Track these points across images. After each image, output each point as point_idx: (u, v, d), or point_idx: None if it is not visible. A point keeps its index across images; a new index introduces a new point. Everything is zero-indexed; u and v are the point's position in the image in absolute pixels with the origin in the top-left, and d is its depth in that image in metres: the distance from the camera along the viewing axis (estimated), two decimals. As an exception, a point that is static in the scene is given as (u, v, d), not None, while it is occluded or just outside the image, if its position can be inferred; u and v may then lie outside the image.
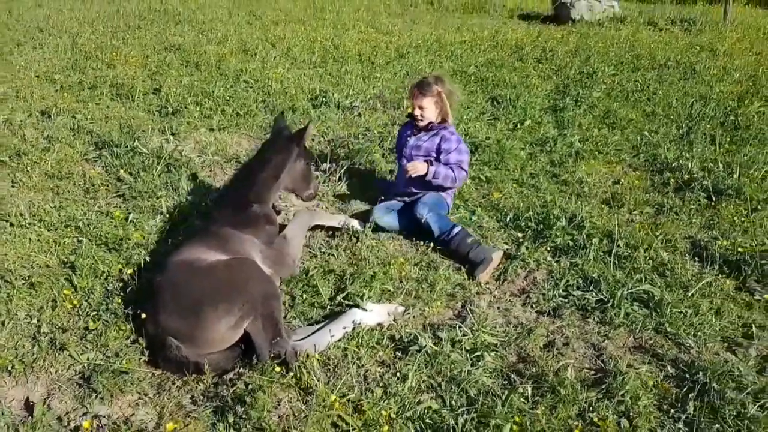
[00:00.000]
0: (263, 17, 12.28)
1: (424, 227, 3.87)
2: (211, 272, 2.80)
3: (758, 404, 2.52)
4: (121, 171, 4.46)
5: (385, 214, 4.07)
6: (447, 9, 15.90)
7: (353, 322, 2.97)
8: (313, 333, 2.91)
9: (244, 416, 2.42)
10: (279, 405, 2.53)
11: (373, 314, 3.08)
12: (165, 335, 2.65)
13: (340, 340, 2.88)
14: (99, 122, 5.48)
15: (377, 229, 4.00)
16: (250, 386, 2.56)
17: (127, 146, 4.83)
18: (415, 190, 4.15)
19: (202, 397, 2.58)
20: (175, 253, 3.01)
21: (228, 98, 6.36)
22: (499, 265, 3.68)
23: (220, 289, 2.72)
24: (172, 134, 5.33)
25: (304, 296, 3.25)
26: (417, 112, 4.16)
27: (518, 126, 6.06)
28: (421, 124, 4.18)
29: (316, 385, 2.57)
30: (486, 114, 6.47)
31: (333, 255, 3.69)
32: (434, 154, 4.12)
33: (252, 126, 5.75)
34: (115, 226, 3.69)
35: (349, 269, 3.47)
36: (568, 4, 13.66)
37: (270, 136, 3.81)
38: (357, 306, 3.10)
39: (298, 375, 2.62)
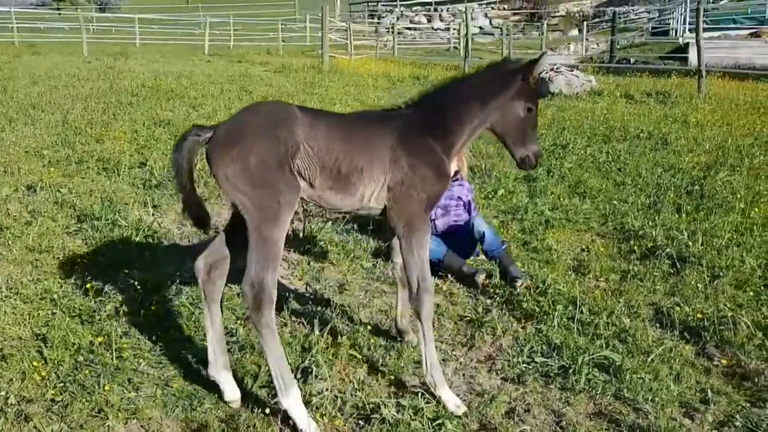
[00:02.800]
0: (254, 92, 12.72)
1: (480, 240, 4.53)
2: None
3: (710, 469, 2.57)
4: (99, 243, 4.57)
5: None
6: (433, 84, 16.50)
7: None
8: None
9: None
10: (238, 475, 2.55)
11: None
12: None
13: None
14: (83, 196, 5.63)
15: None
16: (210, 456, 2.58)
17: (107, 219, 4.96)
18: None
19: (161, 468, 2.61)
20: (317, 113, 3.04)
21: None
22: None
23: (266, 149, 2.76)
24: (154, 206, 5.48)
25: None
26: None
27: (492, 195, 6.25)
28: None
29: (275, 455, 2.60)
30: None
31: (302, 323, 3.77)
32: (461, 202, 4.81)
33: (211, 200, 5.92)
34: (89, 299, 3.77)
35: (318, 337, 3.53)
36: (547, 79, 14.22)
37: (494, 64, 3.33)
38: None
39: (258, 444, 2.66)
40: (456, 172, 4.74)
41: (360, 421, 2.92)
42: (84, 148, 7.20)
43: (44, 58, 18.90)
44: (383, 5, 49.88)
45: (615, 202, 6.05)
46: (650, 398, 3.09)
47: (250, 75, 16.58)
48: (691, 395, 3.17)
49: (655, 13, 36.72)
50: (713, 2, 38.20)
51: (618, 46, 27.57)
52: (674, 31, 30.75)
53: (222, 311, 3.18)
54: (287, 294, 4.22)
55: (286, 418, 2.86)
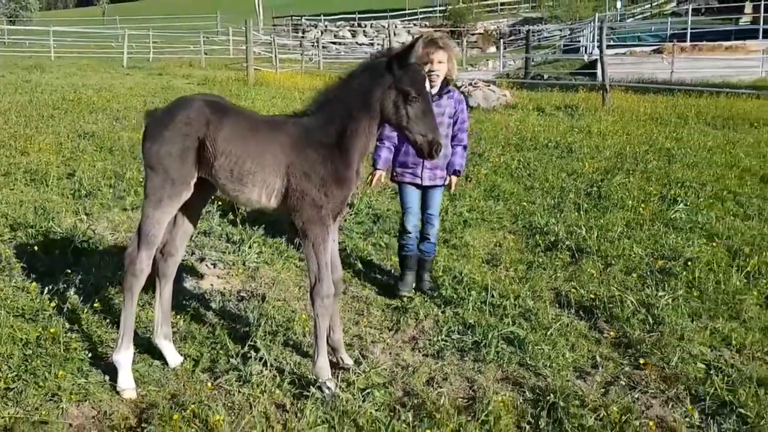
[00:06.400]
0: (178, 105, 12.76)
1: (423, 235, 4.59)
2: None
3: (595, 416, 3.06)
4: (36, 249, 4.69)
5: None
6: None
7: None
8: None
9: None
10: (188, 444, 2.83)
11: None
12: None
13: (242, 385, 3.24)
14: (13, 206, 5.67)
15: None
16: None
17: (41, 227, 5.07)
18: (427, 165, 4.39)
19: (116, 442, 2.85)
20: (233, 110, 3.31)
21: (141, 180, 6.70)
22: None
23: (173, 141, 3.12)
24: (86, 215, 5.60)
25: (212, 352, 3.58)
26: (436, 67, 4.05)
27: (415, 200, 6.72)
28: (435, 84, 4.14)
29: (220, 425, 2.89)
30: (389, 189, 7.13)
31: (240, 315, 4.05)
32: (450, 119, 4.33)
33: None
34: (31, 300, 3.92)
35: (255, 326, 3.83)
36: (467, 94, 15.00)
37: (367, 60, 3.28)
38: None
39: (204, 418, 2.94)
40: (446, 81, 4.26)
41: (297, 395, 3.25)
42: (10, 160, 7.18)
43: (-47, 70, 18.13)
44: (307, 19, 50.17)
45: (524, 203, 6.65)
46: (549, 364, 3.58)
47: (173, 87, 16.53)
48: (584, 361, 3.68)
49: (566, 32, 38.89)
50: (620, 20, 40.89)
51: (533, 63, 29.06)
52: (584, 48, 32.69)
53: (172, 287, 3.58)
54: (225, 290, 4.49)
55: (230, 394, 3.17)
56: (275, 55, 26.53)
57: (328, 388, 3.23)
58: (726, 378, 3.44)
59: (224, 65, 27.91)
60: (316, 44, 33.56)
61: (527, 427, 3.05)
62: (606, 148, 9.36)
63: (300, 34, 45.65)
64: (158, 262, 3.42)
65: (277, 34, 39.72)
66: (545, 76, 25.62)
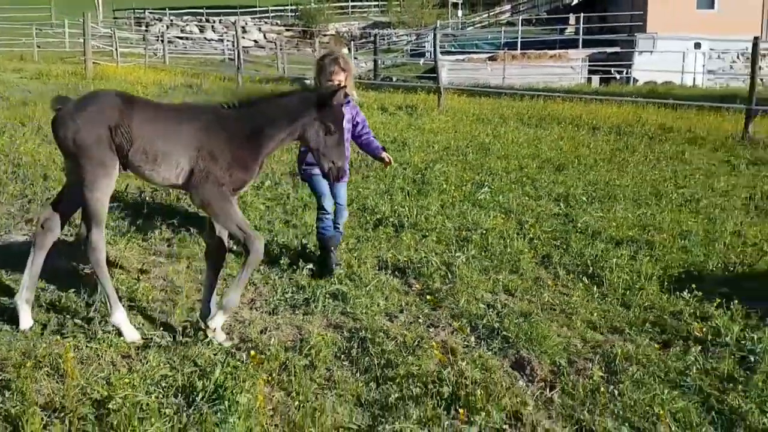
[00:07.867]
0: (10, 99, 12.19)
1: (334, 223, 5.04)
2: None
3: (394, 343, 3.83)
4: None
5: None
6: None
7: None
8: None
9: (10, 398, 3.03)
10: (41, 388, 3.17)
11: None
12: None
13: (90, 341, 3.60)
14: None
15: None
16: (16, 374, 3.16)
17: None
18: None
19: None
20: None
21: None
22: None
23: (91, 128, 3.48)
24: None
25: (59, 317, 3.89)
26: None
27: (261, 187, 7.24)
28: None
29: (71, 370, 3.26)
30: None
31: (85, 287, 4.35)
32: (349, 124, 4.91)
33: (3, 194, 6.10)
34: None
35: (98, 296, 4.16)
36: (314, 91, 15.66)
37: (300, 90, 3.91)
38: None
39: (55, 365, 3.29)
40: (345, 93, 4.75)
41: (142, 347, 3.67)
42: None
43: None
44: (150, 13, 48.10)
45: (360, 189, 7.41)
46: (365, 312, 4.30)
47: (3, 81, 15.55)
48: (394, 308, 4.46)
49: (413, 37, 40.98)
50: (461, 28, 43.73)
51: (382, 66, 30.47)
52: (428, 53, 34.76)
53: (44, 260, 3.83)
54: (70, 266, 4.74)
55: (78, 348, 3.53)
56: (116, 49, 25.51)
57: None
58: (498, 313, 4.38)
59: (60, 59, 26.22)
60: (161, 38, 32.51)
61: (342, 356, 3.75)
62: (436, 143, 10.43)
63: (143, 28, 43.76)
64: (38, 234, 3.73)
65: (118, 27, 37.89)
66: (394, 79, 27.01)
